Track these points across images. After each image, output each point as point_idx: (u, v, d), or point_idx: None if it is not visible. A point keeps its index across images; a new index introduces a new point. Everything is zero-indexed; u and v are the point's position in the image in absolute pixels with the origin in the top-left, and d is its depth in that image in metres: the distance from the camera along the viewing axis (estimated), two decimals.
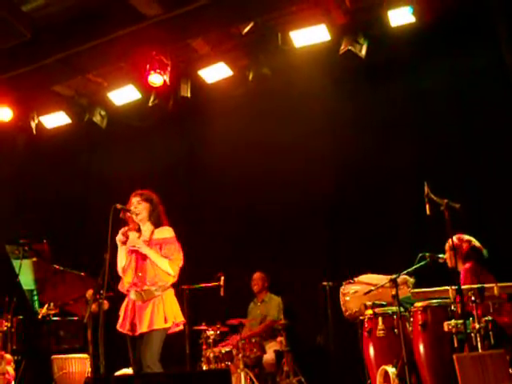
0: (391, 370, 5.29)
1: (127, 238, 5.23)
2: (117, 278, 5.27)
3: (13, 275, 7.17)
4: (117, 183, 8.57)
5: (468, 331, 4.60)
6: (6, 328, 6.47)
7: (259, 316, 7.79)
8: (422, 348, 5.19)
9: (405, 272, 5.57)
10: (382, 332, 5.54)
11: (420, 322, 5.20)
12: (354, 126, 7.79)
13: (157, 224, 5.32)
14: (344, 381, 7.08)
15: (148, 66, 7.43)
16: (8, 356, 6.37)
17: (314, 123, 7.88)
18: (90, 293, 6.78)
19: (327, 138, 7.84)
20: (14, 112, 8.47)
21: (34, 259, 7.52)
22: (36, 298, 7.62)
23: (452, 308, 5.04)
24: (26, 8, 6.86)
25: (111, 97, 8.40)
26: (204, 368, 7.04)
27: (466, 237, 5.68)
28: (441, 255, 5.56)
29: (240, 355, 6.88)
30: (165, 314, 5.08)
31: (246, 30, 7.50)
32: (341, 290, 6.24)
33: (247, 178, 8.21)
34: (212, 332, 7.21)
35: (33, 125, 8.78)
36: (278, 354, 7.25)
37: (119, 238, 5.22)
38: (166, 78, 7.54)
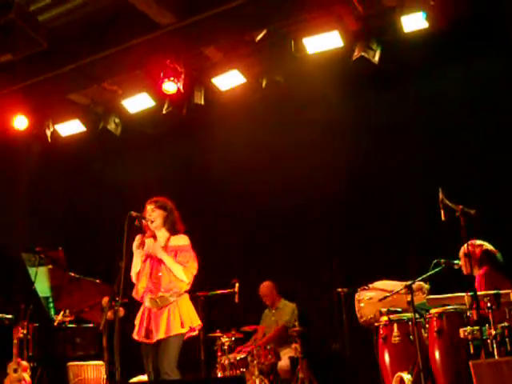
0: (407, 376, 5.27)
1: (143, 244, 5.25)
2: (132, 285, 5.29)
3: (29, 283, 7.22)
4: (131, 191, 8.61)
5: (484, 337, 4.57)
6: (22, 335, 6.50)
7: (274, 323, 7.77)
8: (437, 355, 5.17)
9: (420, 278, 5.55)
10: (397, 338, 5.52)
11: (436, 329, 5.18)
12: (367, 132, 7.78)
13: (172, 230, 5.35)
14: None
15: (162, 74, 7.47)
16: (24, 363, 6.41)
17: (327, 129, 7.87)
18: (105, 300, 6.81)
19: (341, 144, 7.82)
20: (30, 120, 8.53)
21: (50, 267, 7.55)
22: (52, 305, 7.66)
23: (468, 314, 5.02)
24: (43, 17, 6.93)
25: (125, 104, 8.44)
26: (219, 375, 7.04)
27: (478, 242, 5.66)
28: (456, 261, 5.54)
29: (255, 362, 6.88)
30: (181, 319, 5.09)
31: (259, 37, 7.51)
32: (356, 296, 6.23)
33: (261, 184, 8.22)
34: (227, 339, 7.21)
35: (48, 133, 8.83)
36: (293, 361, 7.23)
37: (136, 244, 5.23)
38: (180, 85, 7.57)
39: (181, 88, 7.61)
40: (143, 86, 8.26)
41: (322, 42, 7.25)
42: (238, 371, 6.96)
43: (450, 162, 7.21)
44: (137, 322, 5.24)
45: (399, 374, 5.35)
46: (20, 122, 8.48)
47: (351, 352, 7.04)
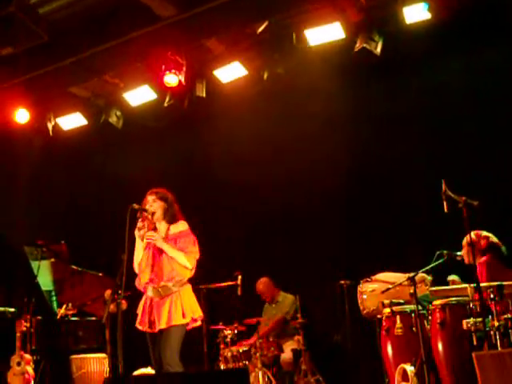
0: (410, 368, 5.26)
1: (144, 230, 5.23)
2: (134, 278, 5.28)
3: (31, 276, 7.22)
4: (132, 184, 8.58)
5: (487, 329, 4.57)
6: (25, 328, 6.51)
7: (274, 317, 7.77)
8: (440, 346, 5.17)
9: (422, 270, 5.55)
10: (400, 330, 5.51)
11: (438, 321, 5.17)
12: (370, 124, 7.76)
13: (172, 222, 5.34)
14: (362, 379, 7.07)
15: (163, 67, 7.45)
16: (27, 356, 6.42)
17: (329, 121, 7.85)
18: (108, 293, 6.81)
19: (343, 136, 7.81)
20: (31, 114, 8.53)
21: (52, 260, 7.56)
22: (54, 298, 7.67)
23: (471, 306, 5.01)
24: (43, 10, 6.91)
25: (127, 97, 8.43)
26: (222, 367, 7.05)
27: (484, 233, 5.64)
28: (458, 253, 5.53)
29: (258, 354, 6.89)
30: (183, 309, 5.07)
31: (261, 29, 7.48)
32: (358, 288, 6.22)
33: (262, 176, 8.20)
34: (229, 331, 7.22)
35: (49, 126, 8.83)
36: (296, 353, 7.24)
37: (138, 227, 5.21)
38: (182, 78, 7.56)
39: (182, 80, 7.59)
40: (145, 79, 8.25)
41: (324, 33, 7.23)
42: (240, 364, 6.98)
43: (452, 154, 7.19)
44: (139, 311, 5.23)
45: (402, 365, 5.36)
46: (21, 116, 8.49)
47: (354, 344, 7.05)
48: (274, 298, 7.92)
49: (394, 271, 6.14)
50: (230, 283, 7.25)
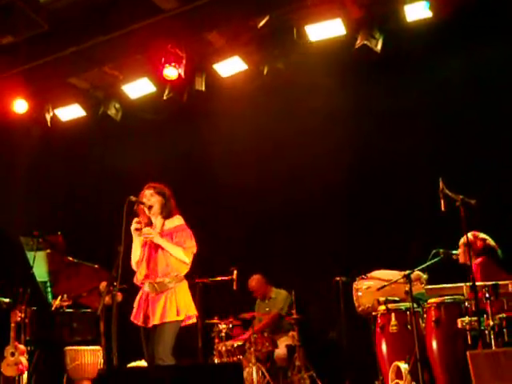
0: (404, 366, 5.27)
1: (141, 230, 5.22)
2: (130, 271, 5.28)
3: (27, 267, 7.21)
4: (130, 176, 8.56)
5: (482, 328, 4.57)
6: (19, 319, 6.49)
7: (267, 313, 7.75)
8: (435, 344, 5.18)
9: (418, 268, 5.55)
10: (394, 328, 5.53)
11: (433, 319, 5.19)
12: (369, 120, 7.76)
13: (167, 218, 5.32)
14: (356, 376, 7.06)
15: (163, 59, 7.43)
16: (21, 346, 6.40)
17: (329, 117, 7.84)
18: (103, 285, 6.80)
19: (344, 132, 7.80)
20: (29, 104, 8.51)
21: (48, 251, 7.52)
22: (50, 289, 7.65)
23: (466, 305, 5.02)
24: None
25: (126, 90, 8.41)
26: (216, 362, 7.05)
27: (482, 235, 5.64)
28: (454, 252, 5.54)
29: (252, 349, 6.89)
30: (177, 306, 5.07)
31: (262, 23, 7.46)
32: (354, 285, 6.22)
33: (262, 171, 8.21)
34: (224, 326, 7.21)
35: (48, 117, 8.81)
36: (290, 349, 7.25)
37: (134, 226, 5.20)
38: (181, 71, 7.54)
39: (182, 74, 7.57)
40: (144, 72, 8.23)
41: (325, 29, 7.23)
42: (234, 358, 6.97)
43: (452, 152, 7.20)
44: (135, 305, 5.24)
45: (396, 363, 5.37)
46: (20, 106, 8.47)
47: (348, 341, 7.05)
48: (266, 294, 7.91)
49: (390, 269, 6.13)
50: (225, 278, 7.24)
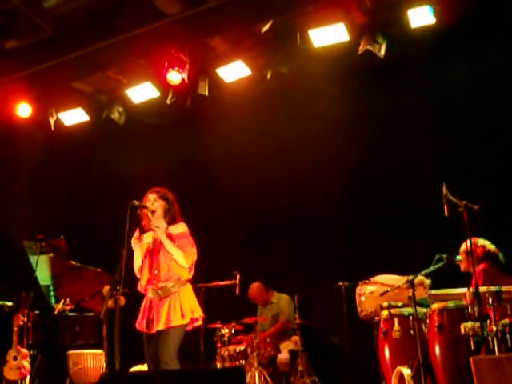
0: (406, 371, 5.25)
1: (141, 239, 5.22)
2: (133, 274, 5.27)
3: (30, 270, 7.22)
4: (133, 180, 8.59)
5: (485, 334, 4.56)
6: (22, 323, 6.51)
7: (271, 317, 7.73)
8: (437, 350, 5.16)
9: (421, 273, 5.54)
10: (397, 333, 5.51)
11: (436, 324, 5.17)
12: (372, 125, 7.76)
13: (171, 223, 5.30)
14: (358, 382, 7.06)
15: (166, 64, 7.44)
16: (24, 350, 6.42)
17: (332, 122, 7.85)
18: (106, 289, 6.81)
19: (345, 138, 7.80)
20: (33, 108, 8.52)
21: (51, 255, 7.55)
22: (52, 293, 7.67)
23: (469, 310, 5.00)
24: (48, 4, 6.90)
25: (129, 94, 8.42)
26: (218, 366, 7.04)
27: (481, 241, 5.60)
28: (458, 257, 5.52)
29: (254, 354, 6.88)
30: (182, 310, 5.05)
31: (265, 28, 7.46)
32: (357, 290, 6.21)
33: (265, 176, 8.20)
34: (227, 330, 7.20)
35: (51, 121, 8.82)
36: (293, 354, 7.24)
37: (134, 237, 5.19)
38: (185, 76, 7.54)
39: (185, 78, 7.57)
40: (147, 76, 8.23)
41: (328, 35, 7.22)
42: (237, 363, 6.96)
43: (455, 157, 7.19)
44: (140, 313, 5.22)
45: (399, 368, 5.35)
46: (24, 110, 8.48)
47: (351, 346, 7.04)
48: (267, 300, 7.91)
49: (393, 274, 6.12)
50: (228, 282, 7.24)
